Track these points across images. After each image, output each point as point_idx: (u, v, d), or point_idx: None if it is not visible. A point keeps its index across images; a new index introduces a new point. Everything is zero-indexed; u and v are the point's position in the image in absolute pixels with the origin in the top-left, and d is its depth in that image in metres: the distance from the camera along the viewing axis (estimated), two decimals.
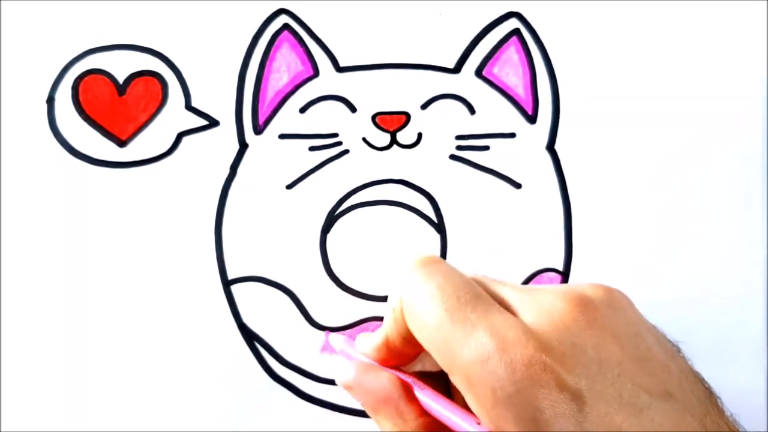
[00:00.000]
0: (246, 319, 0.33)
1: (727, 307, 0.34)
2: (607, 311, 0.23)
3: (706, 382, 0.24)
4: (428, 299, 0.24)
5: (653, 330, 0.24)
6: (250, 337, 0.33)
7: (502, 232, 0.34)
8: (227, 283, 0.33)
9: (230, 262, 0.33)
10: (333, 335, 0.33)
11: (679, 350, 0.25)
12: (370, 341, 0.28)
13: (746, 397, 0.34)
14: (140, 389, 0.33)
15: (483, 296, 0.24)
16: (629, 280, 0.34)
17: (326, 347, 0.33)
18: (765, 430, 0.34)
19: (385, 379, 0.27)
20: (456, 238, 0.34)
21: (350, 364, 0.28)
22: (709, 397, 0.23)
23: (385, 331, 0.27)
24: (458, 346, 0.22)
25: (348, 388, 0.28)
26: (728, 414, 0.24)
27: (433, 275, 0.24)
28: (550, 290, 0.24)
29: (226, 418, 0.33)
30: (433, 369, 0.27)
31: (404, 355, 0.27)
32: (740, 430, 0.23)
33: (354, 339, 0.31)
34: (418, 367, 0.28)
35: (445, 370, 0.23)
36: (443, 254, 0.34)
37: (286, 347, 0.33)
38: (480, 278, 0.26)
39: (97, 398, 0.33)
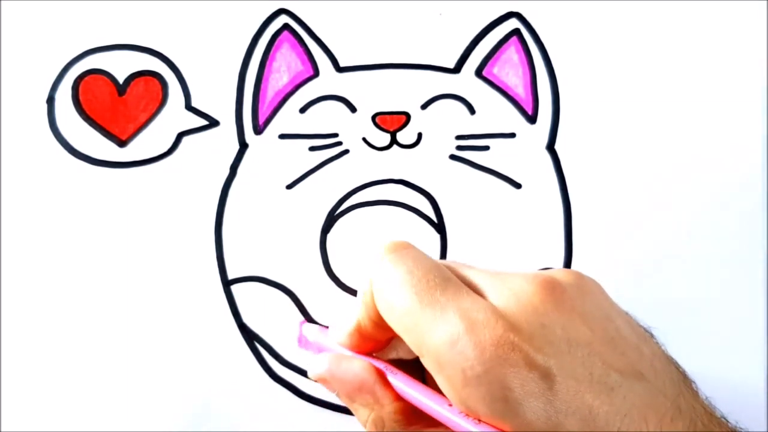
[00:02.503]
0: (246, 319, 0.33)
1: (727, 306, 0.34)
2: (576, 294, 0.23)
3: (680, 366, 0.24)
4: (398, 283, 0.24)
5: (624, 315, 0.24)
6: (250, 337, 0.33)
7: (502, 232, 0.34)
8: (227, 283, 0.33)
9: (230, 262, 0.33)
10: (307, 325, 0.33)
11: (651, 335, 0.25)
12: (342, 328, 0.28)
13: (746, 397, 0.34)
14: (140, 389, 0.33)
15: (452, 280, 0.24)
16: (629, 280, 0.34)
17: (300, 338, 0.33)
18: (765, 430, 0.34)
19: (359, 367, 0.27)
20: (456, 238, 0.34)
21: (323, 357, 0.28)
22: (683, 380, 0.23)
23: (357, 316, 0.27)
24: (428, 328, 0.22)
25: (322, 380, 0.28)
26: (703, 397, 0.24)
27: (403, 260, 0.25)
28: (519, 274, 0.24)
29: (226, 418, 0.33)
30: (407, 357, 0.27)
31: (377, 340, 0.27)
32: (716, 413, 0.23)
33: (328, 328, 0.31)
34: (392, 354, 0.28)
35: (416, 352, 0.23)
36: (443, 254, 0.34)
37: (286, 347, 0.33)
38: (450, 263, 0.26)
39: (97, 398, 0.33)
